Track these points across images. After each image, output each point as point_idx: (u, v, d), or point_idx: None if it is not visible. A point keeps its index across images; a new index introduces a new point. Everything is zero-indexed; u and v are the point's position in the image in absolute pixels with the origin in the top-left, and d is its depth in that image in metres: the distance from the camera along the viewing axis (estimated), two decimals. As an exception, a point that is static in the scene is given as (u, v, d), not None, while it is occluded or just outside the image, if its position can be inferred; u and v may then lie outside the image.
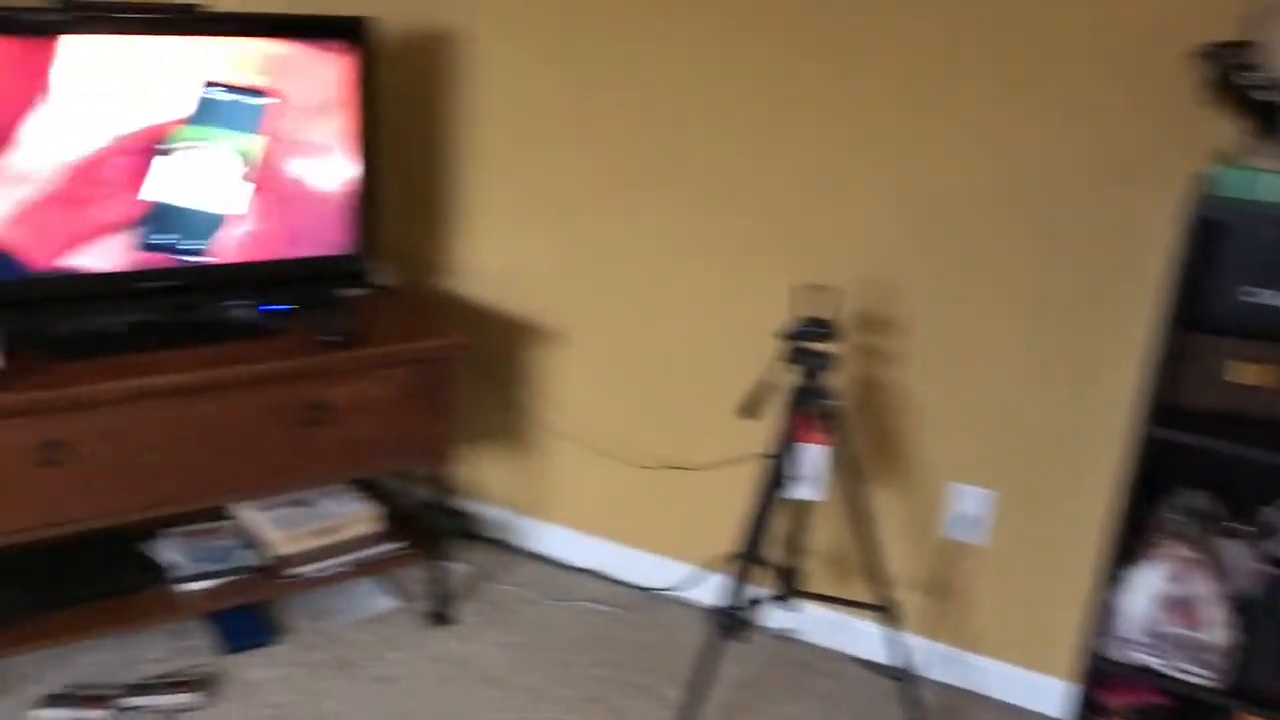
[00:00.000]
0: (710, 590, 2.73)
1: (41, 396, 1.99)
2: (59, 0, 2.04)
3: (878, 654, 2.56)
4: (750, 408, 2.17)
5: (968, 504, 2.42)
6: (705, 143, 2.47)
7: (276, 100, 2.26)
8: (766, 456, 2.21)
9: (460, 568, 2.82)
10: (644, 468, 2.74)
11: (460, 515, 2.97)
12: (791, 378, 2.18)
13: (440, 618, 2.60)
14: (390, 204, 2.83)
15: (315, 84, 2.30)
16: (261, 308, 2.40)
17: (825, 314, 2.18)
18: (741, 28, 2.36)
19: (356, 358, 2.29)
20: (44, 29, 2.01)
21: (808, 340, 2.14)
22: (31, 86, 2.02)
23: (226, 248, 2.30)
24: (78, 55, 2.04)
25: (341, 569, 2.48)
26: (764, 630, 2.66)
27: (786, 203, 2.42)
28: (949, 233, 2.29)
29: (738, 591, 2.23)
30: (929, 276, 2.33)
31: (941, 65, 2.21)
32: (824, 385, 2.15)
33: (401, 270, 2.85)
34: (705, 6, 2.38)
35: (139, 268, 2.22)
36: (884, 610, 2.27)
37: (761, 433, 2.50)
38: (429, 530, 2.62)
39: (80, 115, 2.08)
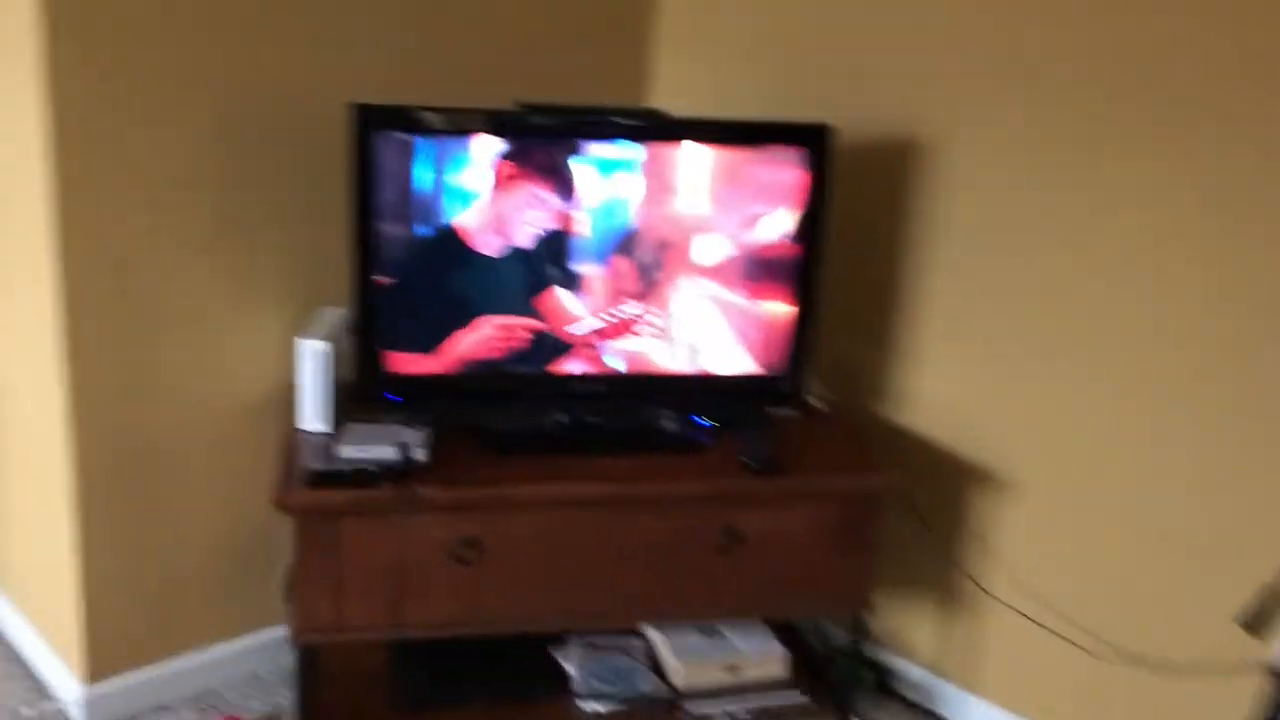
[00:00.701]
0: (1176, 817, 2.22)
1: (462, 495, 2.00)
2: (517, 104, 2.09)
3: None
4: (1256, 620, 1.72)
5: None
6: (1212, 273, 2.06)
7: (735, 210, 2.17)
8: (1272, 674, 1.74)
9: (872, 729, 2.53)
10: (1101, 657, 2.30)
11: (878, 669, 2.67)
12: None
13: (844, 785, 2.33)
14: (831, 319, 2.65)
15: (767, 192, 2.18)
16: (690, 420, 2.30)
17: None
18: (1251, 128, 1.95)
19: (778, 486, 2.12)
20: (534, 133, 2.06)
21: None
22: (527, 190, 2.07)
23: (662, 356, 2.23)
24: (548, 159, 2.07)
25: (742, 712, 2.28)
26: None
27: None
28: None
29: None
30: None
31: None
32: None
33: (837, 391, 2.65)
34: (1212, 115, 2.00)
35: (579, 370, 2.20)
36: None
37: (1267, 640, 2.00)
38: (841, 682, 2.36)
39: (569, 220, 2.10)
